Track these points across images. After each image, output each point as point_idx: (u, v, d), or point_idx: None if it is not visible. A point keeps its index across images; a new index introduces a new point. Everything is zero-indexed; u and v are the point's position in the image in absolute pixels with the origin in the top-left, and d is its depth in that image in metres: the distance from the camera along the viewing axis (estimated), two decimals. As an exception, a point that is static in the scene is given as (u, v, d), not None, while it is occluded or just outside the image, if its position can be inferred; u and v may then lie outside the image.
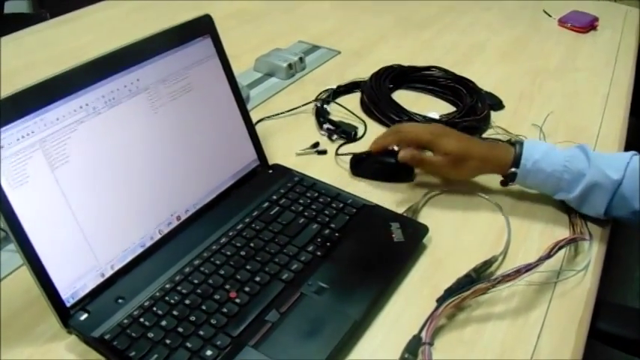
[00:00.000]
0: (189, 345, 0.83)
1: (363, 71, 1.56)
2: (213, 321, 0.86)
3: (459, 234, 1.08)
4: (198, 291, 0.91)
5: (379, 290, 0.94)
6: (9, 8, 3.00)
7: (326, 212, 1.07)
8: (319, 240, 1.01)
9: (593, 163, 1.05)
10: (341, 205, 1.09)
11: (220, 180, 1.09)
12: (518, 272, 0.91)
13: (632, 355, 1.19)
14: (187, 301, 0.89)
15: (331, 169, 1.24)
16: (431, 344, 0.84)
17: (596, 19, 1.97)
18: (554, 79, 1.64)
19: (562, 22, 1.98)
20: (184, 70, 1.03)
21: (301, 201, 1.10)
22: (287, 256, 0.98)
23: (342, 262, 0.98)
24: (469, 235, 1.08)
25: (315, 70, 1.66)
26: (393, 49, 1.79)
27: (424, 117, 1.36)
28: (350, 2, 2.12)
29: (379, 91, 1.46)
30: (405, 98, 1.47)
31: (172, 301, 0.89)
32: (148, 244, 0.97)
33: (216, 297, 0.90)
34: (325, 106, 1.44)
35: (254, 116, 1.28)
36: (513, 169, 1.09)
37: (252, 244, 1.00)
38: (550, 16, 2.03)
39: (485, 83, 1.52)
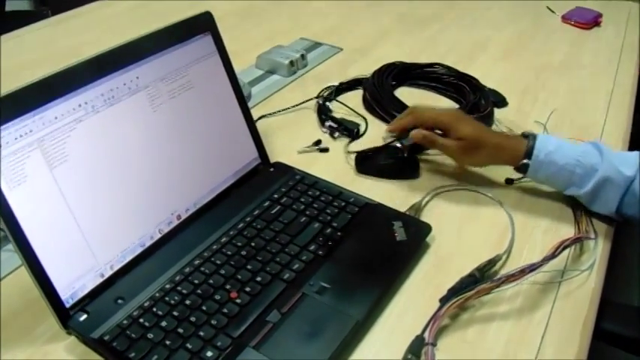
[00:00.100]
0: (189, 346, 0.82)
1: (365, 68, 1.55)
2: (213, 321, 0.85)
3: (462, 233, 1.07)
4: (199, 291, 0.90)
5: (381, 290, 0.93)
6: (10, 6, 2.99)
7: (328, 211, 1.06)
8: (321, 239, 1.01)
9: (606, 159, 1.04)
10: (343, 203, 1.08)
11: (221, 178, 1.09)
12: (523, 272, 0.90)
13: (636, 355, 1.18)
14: (187, 302, 0.88)
15: (333, 167, 1.23)
16: (434, 345, 0.84)
17: (599, 15, 1.96)
18: (557, 75, 1.63)
19: (565, 18, 1.97)
20: (184, 68, 1.02)
21: (303, 199, 1.09)
22: (288, 255, 0.97)
23: (344, 262, 0.97)
24: (472, 234, 1.07)
25: (316, 67, 1.65)
26: (395, 46, 1.78)
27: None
28: (352, -1, 2.11)
29: (381, 88, 1.45)
30: (408, 95, 1.46)
31: (172, 302, 0.88)
32: (148, 243, 0.96)
33: (217, 297, 0.89)
34: (327, 103, 1.43)
35: (255, 114, 1.28)
36: (525, 161, 1.08)
37: (253, 244, 0.99)
38: (553, 12, 2.02)
39: (488, 80, 1.52)
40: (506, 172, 1.19)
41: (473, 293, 0.89)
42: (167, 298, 0.89)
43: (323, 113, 1.39)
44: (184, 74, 1.02)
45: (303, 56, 1.63)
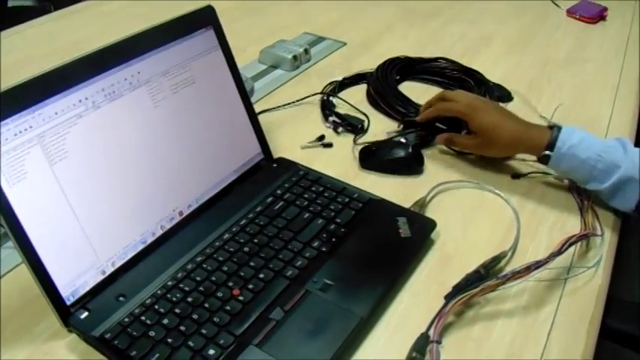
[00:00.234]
0: (191, 344, 0.81)
1: (369, 63, 1.55)
2: (215, 319, 0.85)
3: (467, 229, 1.06)
4: (201, 288, 0.89)
5: (386, 287, 0.92)
6: (13, 1, 2.99)
7: (331, 207, 1.06)
8: (324, 235, 1.00)
9: (629, 156, 1.03)
10: (347, 199, 1.07)
11: (223, 174, 1.08)
12: (528, 269, 0.89)
13: (640, 354, 1.18)
14: (189, 299, 0.88)
15: (337, 163, 1.22)
16: (439, 342, 0.83)
17: (605, 9, 1.94)
18: (563, 70, 1.62)
19: (570, 12, 1.96)
20: (186, 63, 1.01)
21: (306, 195, 1.08)
22: (291, 252, 0.96)
23: (348, 259, 0.96)
24: (477, 230, 1.06)
25: (320, 61, 1.65)
26: (399, 41, 1.77)
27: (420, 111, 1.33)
28: (356, -7, 2.10)
29: (385, 82, 1.44)
30: (412, 90, 1.45)
31: (174, 299, 0.87)
32: (150, 240, 0.95)
33: (219, 294, 0.88)
34: (331, 98, 1.42)
35: (258, 109, 1.27)
36: (547, 152, 1.08)
37: (255, 240, 0.98)
38: (558, 6, 2.01)
39: (493, 74, 1.51)
40: (512, 167, 1.19)
41: (478, 290, 0.88)
42: (169, 296, 0.88)
43: (327, 108, 1.38)
44: (186, 69, 1.01)
45: (306, 51, 1.62)
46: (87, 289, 0.87)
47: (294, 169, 1.15)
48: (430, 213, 1.08)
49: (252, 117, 1.14)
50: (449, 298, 0.88)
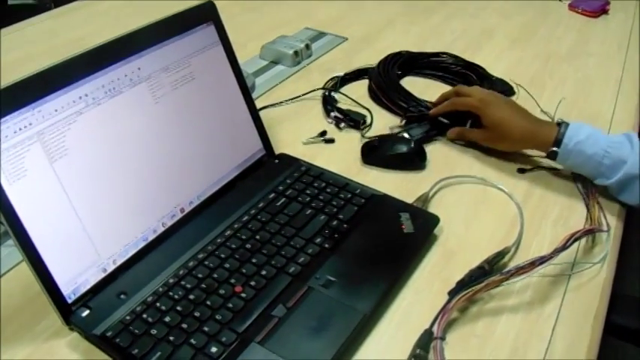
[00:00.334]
0: (193, 341, 0.81)
1: (371, 58, 1.54)
2: (218, 316, 0.84)
3: (470, 224, 1.06)
4: (203, 286, 0.89)
5: (389, 283, 0.92)
6: (13, -1, 2.99)
7: (334, 203, 1.05)
8: (327, 232, 0.99)
9: (635, 152, 1.04)
10: (349, 195, 1.07)
11: (225, 170, 1.07)
12: (533, 264, 0.89)
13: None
14: (191, 297, 0.87)
15: (339, 158, 1.22)
16: (443, 339, 0.82)
17: (607, 2, 1.94)
18: (565, 64, 1.61)
19: (573, 6, 1.95)
20: (187, 59, 1.00)
21: (308, 191, 1.07)
22: (294, 248, 0.96)
23: (351, 255, 0.96)
24: (481, 225, 1.05)
25: (321, 57, 1.64)
26: (400, 35, 1.76)
27: (433, 104, 1.33)
28: (357, -12, 2.09)
29: (387, 77, 1.44)
30: (414, 85, 1.44)
31: (176, 297, 0.87)
32: (151, 237, 0.95)
33: (221, 292, 0.88)
34: (333, 94, 1.41)
35: (259, 105, 1.27)
36: (554, 148, 1.10)
37: (257, 237, 0.98)
38: (560, 0, 2.00)
39: (495, 69, 1.50)
40: (517, 162, 1.19)
41: (482, 286, 0.87)
42: (171, 293, 0.88)
43: (329, 104, 1.38)
44: (187, 65, 1.00)
45: (307, 46, 1.62)
46: (88, 287, 0.87)
47: (296, 165, 1.14)
48: (433, 208, 1.07)
49: (254, 113, 1.13)
50: (452, 294, 0.88)
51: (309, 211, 1.03)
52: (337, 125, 1.32)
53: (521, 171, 1.17)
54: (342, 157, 1.22)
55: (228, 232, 0.98)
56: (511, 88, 1.46)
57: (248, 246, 0.96)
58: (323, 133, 1.28)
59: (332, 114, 1.34)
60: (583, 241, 1.00)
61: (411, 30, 1.81)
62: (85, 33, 1.70)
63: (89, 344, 0.84)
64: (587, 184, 1.12)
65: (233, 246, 0.96)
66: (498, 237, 1.02)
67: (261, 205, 1.04)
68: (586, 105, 1.42)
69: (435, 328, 0.83)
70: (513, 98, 1.42)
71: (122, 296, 0.87)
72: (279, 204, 1.04)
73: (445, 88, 1.48)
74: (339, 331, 0.83)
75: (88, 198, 0.86)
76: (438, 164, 1.20)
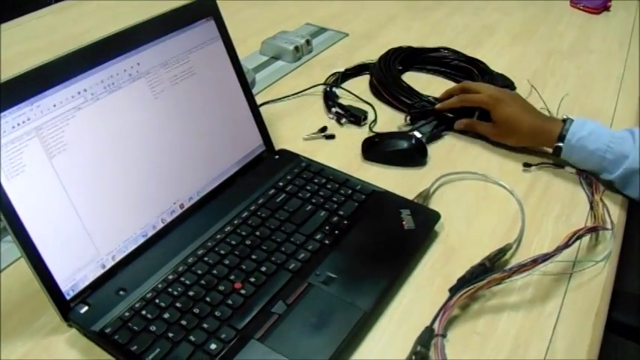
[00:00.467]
0: (192, 338, 0.80)
1: (372, 54, 1.53)
2: (217, 313, 0.84)
3: (471, 221, 1.05)
4: (202, 282, 0.88)
5: (389, 280, 0.91)
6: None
7: (334, 199, 1.05)
8: (327, 228, 0.99)
9: (637, 147, 1.05)
10: (350, 191, 1.06)
11: (225, 166, 1.07)
12: (535, 262, 0.88)
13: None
14: (191, 293, 0.87)
15: (339, 154, 1.21)
16: (444, 336, 0.82)
17: (609, -1, 1.93)
18: (567, 61, 1.61)
19: (574, 2, 1.94)
20: (186, 54, 1.00)
21: (308, 187, 1.07)
22: (294, 244, 0.95)
23: (351, 251, 0.95)
24: (482, 222, 1.05)
25: (322, 52, 1.63)
26: (401, 31, 1.76)
27: (436, 99, 1.33)
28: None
29: (388, 73, 1.43)
30: (415, 80, 1.44)
31: (175, 293, 0.87)
32: (150, 233, 0.94)
33: (221, 288, 0.87)
34: (334, 89, 1.41)
35: (260, 100, 1.26)
36: (558, 144, 1.12)
37: (257, 233, 0.97)
38: (562, -4, 2.00)
39: (497, 65, 1.49)
40: (519, 158, 1.19)
41: (484, 283, 0.87)
42: (170, 289, 0.87)
43: (330, 100, 1.37)
44: (186, 60, 1.00)
45: (308, 42, 1.61)
46: (87, 283, 0.86)
47: (296, 161, 1.14)
48: (434, 205, 1.07)
49: (254, 108, 1.13)
50: (454, 291, 0.88)
51: (309, 207, 1.02)
52: (338, 121, 1.32)
53: (527, 166, 1.17)
54: (342, 153, 1.22)
55: (227, 229, 0.98)
56: (512, 83, 1.45)
57: (248, 242, 0.95)
58: (323, 129, 1.28)
59: (333, 109, 1.33)
60: (586, 238, 0.99)
61: (412, 26, 1.80)
62: (85, 28, 1.70)
63: (88, 341, 0.84)
64: (591, 181, 1.12)
65: (233, 242, 0.95)
66: (500, 234, 1.02)
67: (261, 201, 1.04)
68: (587, 102, 1.41)
69: (435, 326, 0.83)
70: (515, 94, 1.43)
71: (121, 292, 0.87)
72: (279, 200, 1.04)
73: (446, 83, 1.49)
74: (340, 328, 0.82)
75: (87, 194, 0.86)
76: (439, 160, 1.20)
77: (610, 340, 0.97)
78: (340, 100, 1.37)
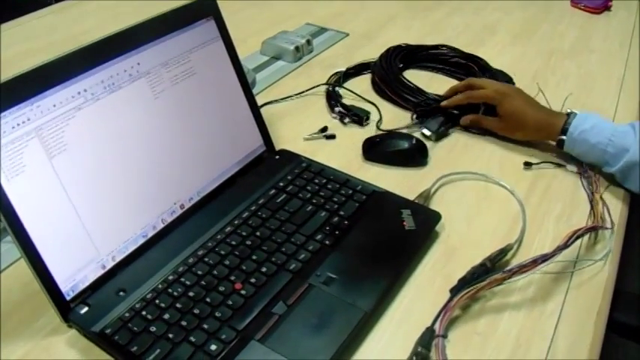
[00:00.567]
0: (192, 339, 0.80)
1: (372, 53, 1.53)
2: (217, 314, 0.84)
3: (472, 221, 1.05)
4: (203, 282, 0.88)
5: (390, 280, 0.91)
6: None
7: (335, 199, 1.04)
8: (328, 228, 0.98)
9: (637, 140, 1.06)
10: (350, 191, 1.06)
11: (225, 167, 1.07)
12: (535, 262, 0.88)
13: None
14: (191, 294, 0.86)
15: (340, 155, 1.21)
16: (444, 336, 0.82)
17: (609, -1, 1.93)
18: (568, 60, 1.60)
19: (575, 2, 1.94)
20: (187, 54, 1.00)
21: (309, 187, 1.07)
22: (294, 245, 0.95)
23: (352, 252, 0.95)
24: (483, 222, 1.05)
25: (322, 52, 1.63)
26: (402, 31, 1.76)
27: (440, 96, 1.33)
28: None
29: (390, 71, 1.43)
30: (416, 78, 1.43)
31: (175, 294, 0.86)
32: (151, 234, 0.94)
33: (221, 289, 0.87)
34: (337, 89, 1.41)
35: (260, 100, 1.26)
36: (561, 137, 1.14)
37: (258, 233, 0.97)
38: (563, -5, 2.00)
39: (497, 65, 1.49)
40: (520, 157, 1.19)
41: (485, 284, 0.87)
42: (170, 290, 0.87)
43: (333, 99, 1.37)
44: (186, 60, 1.00)
45: (308, 42, 1.61)
46: (87, 283, 0.86)
47: (296, 161, 1.13)
48: (435, 205, 1.07)
49: (254, 108, 1.12)
50: (454, 291, 0.87)
51: (309, 208, 1.02)
52: (341, 120, 1.32)
53: (528, 164, 1.18)
54: (343, 154, 1.21)
55: (228, 229, 0.98)
56: (511, 78, 1.46)
57: (248, 242, 0.95)
58: (324, 129, 1.28)
59: (336, 109, 1.33)
60: (586, 238, 0.99)
61: (412, 26, 1.80)
62: (85, 28, 1.69)
63: (88, 341, 0.83)
64: (591, 180, 1.12)
65: (233, 243, 0.95)
66: (500, 234, 1.01)
67: (261, 201, 1.03)
68: (588, 101, 1.41)
69: (436, 326, 0.83)
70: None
71: (121, 293, 0.87)
72: (279, 200, 1.04)
73: (447, 80, 1.50)
74: (340, 328, 0.82)
75: (87, 194, 0.86)
76: (440, 160, 1.20)
77: (610, 339, 0.97)
78: (343, 100, 1.37)
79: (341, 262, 0.93)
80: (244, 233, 0.97)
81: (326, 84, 1.44)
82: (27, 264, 0.79)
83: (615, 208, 1.08)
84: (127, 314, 0.83)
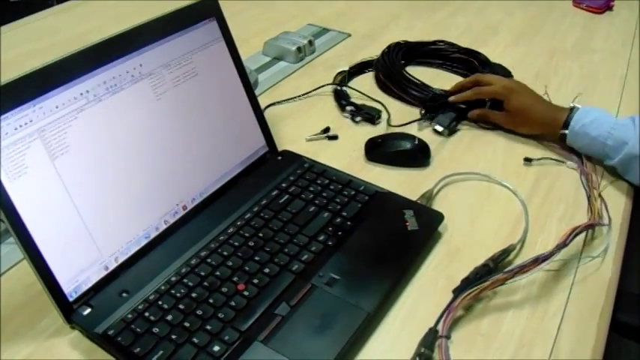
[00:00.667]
0: (195, 340, 0.80)
1: (374, 54, 1.53)
2: (220, 315, 0.84)
3: (475, 221, 1.05)
4: (205, 284, 0.88)
5: (393, 281, 0.91)
6: (15, -6, 2.98)
7: (337, 200, 1.04)
8: (330, 229, 0.98)
9: (637, 133, 1.07)
10: (353, 192, 1.06)
11: (228, 167, 1.06)
12: (536, 262, 0.89)
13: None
14: (194, 295, 0.86)
15: (342, 155, 1.21)
16: (448, 337, 0.82)
17: (612, -2, 1.93)
18: (570, 60, 1.60)
19: (577, 2, 1.94)
20: (189, 55, 1.00)
21: (312, 188, 1.07)
22: (297, 246, 0.95)
23: (355, 252, 0.95)
24: (485, 223, 1.05)
25: (324, 53, 1.63)
26: (404, 31, 1.75)
27: (445, 91, 1.34)
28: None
29: (394, 67, 1.43)
30: (419, 74, 1.43)
31: (178, 295, 0.86)
32: (153, 235, 0.94)
33: (224, 290, 0.87)
34: (344, 88, 1.41)
35: (262, 101, 1.25)
36: (563, 131, 1.17)
37: (260, 234, 0.97)
38: (565, -5, 1.99)
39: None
40: (521, 157, 1.20)
41: (488, 284, 0.87)
42: (173, 291, 0.87)
43: (342, 99, 1.37)
44: (189, 61, 1.00)
45: (310, 42, 1.61)
46: (89, 285, 0.86)
47: (299, 162, 1.13)
48: (437, 205, 1.07)
49: (257, 109, 1.12)
50: (457, 292, 0.87)
51: (312, 209, 1.02)
52: (353, 119, 1.32)
53: (528, 160, 1.19)
54: (345, 154, 1.21)
55: (230, 230, 0.98)
56: (509, 72, 1.47)
57: (251, 243, 0.95)
58: (326, 130, 1.28)
59: (347, 108, 1.34)
60: (587, 235, 1.00)
61: (415, 26, 1.80)
62: (87, 29, 1.70)
63: (91, 343, 0.83)
64: (590, 177, 1.12)
65: (236, 243, 0.95)
66: (503, 234, 1.01)
67: (264, 202, 1.03)
68: (591, 101, 1.40)
69: (439, 327, 0.83)
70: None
71: (124, 294, 0.87)
72: (282, 201, 1.04)
73: (449, 75, 1.51)
74: (343, 329, 0.82)
75: (90, 195, 0.86)
76: (442, 161, 1.19)
77: (612, 339, 0.97)
78: (351, 99, 1.38)
79: (344, 263, 0.93)
80: (247, 234, 0.97)
81: (332, 84, 1.44)
82: (29, 265, 0.79)
83: (617, 205, 1.08)
84: (129, 315, 0.83)
